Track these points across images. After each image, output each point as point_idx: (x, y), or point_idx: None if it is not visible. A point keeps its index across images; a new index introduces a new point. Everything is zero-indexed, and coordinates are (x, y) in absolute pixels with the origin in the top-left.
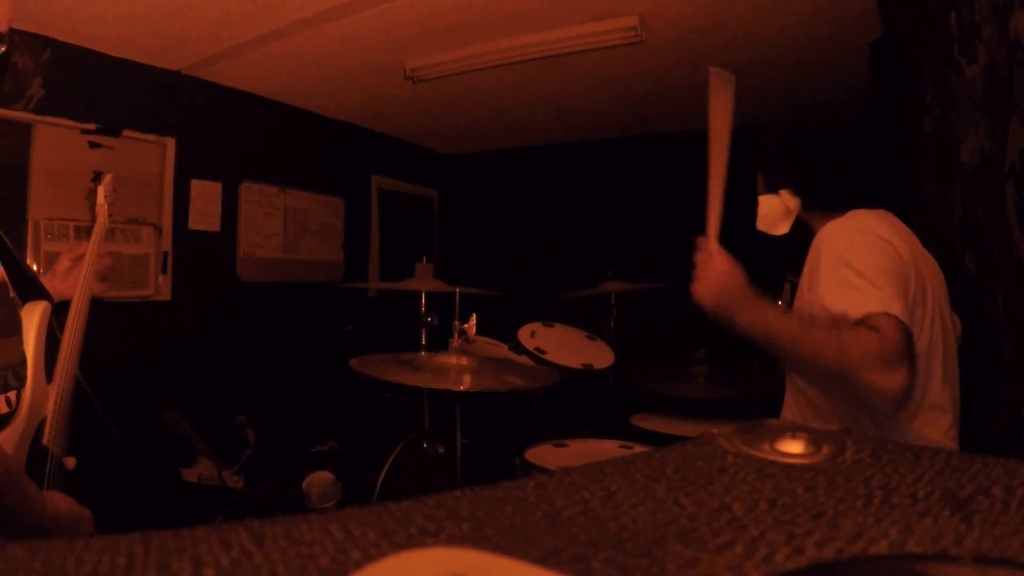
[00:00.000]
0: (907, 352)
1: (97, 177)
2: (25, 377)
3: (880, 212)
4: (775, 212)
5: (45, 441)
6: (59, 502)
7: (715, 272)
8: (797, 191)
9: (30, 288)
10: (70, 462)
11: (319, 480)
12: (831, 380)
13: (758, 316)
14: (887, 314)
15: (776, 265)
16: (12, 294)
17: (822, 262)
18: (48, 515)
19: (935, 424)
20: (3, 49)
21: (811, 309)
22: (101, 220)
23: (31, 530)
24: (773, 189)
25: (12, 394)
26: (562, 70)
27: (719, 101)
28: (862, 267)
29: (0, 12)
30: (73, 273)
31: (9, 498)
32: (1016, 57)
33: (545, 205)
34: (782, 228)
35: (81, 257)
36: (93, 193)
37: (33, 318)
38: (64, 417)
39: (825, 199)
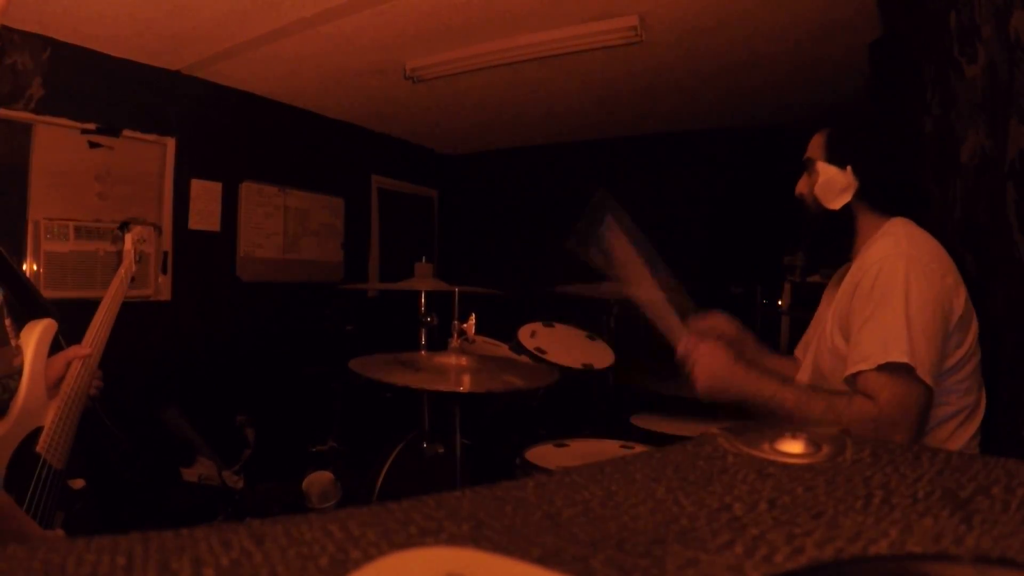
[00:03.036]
0: (905, 419)
1: (125, 225)
2: (14, 389)
3: (924, 232)
4: (836, 186)
5: (39, 448)
6: None
7: (701, 359)
8: (861, 173)
9: (34, 306)
10: (78, 483)
11: (319, 480)
12: None
13: (752, 389)
14: (907, 366)
15: (777, 266)
16: None
17: (875, 291)
18: None
19: (967, 433)
20: None
21: (836, 325)
22: (127, 265)
23: None
24: (836, 160)
25: None
26: (562, 70)
27: (619, 241)
28: (913, 309)
29: None
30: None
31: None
32: (1016, 57)
33: (545, 205)
34: (836, 203)
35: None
36: (120, 240)
37: (33, 335)
38: (67, 433)
39: (884, 194)
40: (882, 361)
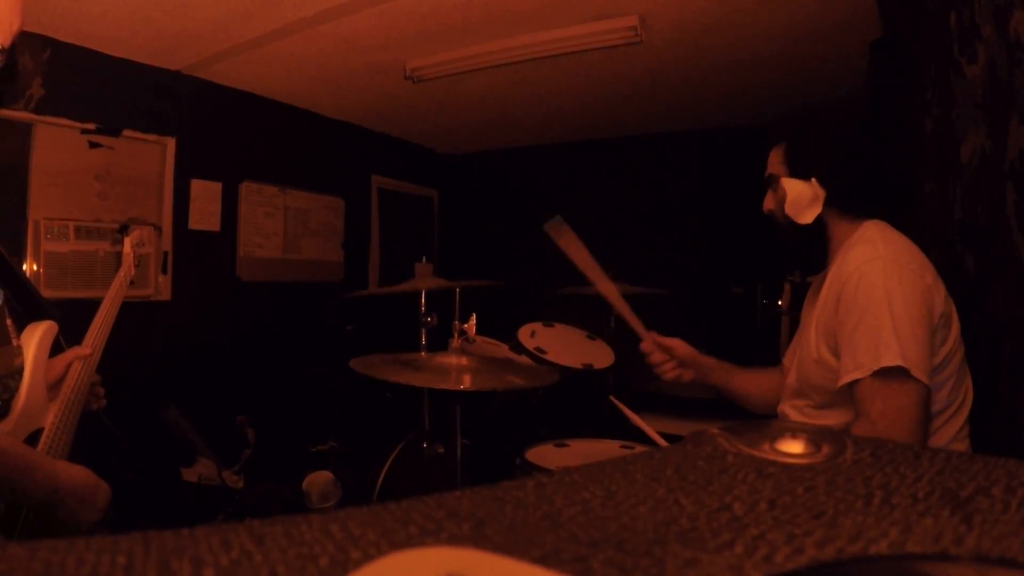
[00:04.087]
0: (899, 426)
1: (125, 228)
2: (15, 389)
3: (899, 233)
4: (803, 199)
5: (39, 450)
6: (75, 472)
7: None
8: (825, 182)
9: (34, 308)
10: None
11: (319, 480)
12: None
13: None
14: (900, 368)
15: (777, 265)
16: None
17: (858, 299)
18: (61, 483)
19: (955, 427)
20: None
21: (821, 337)
22: (126, 268)
23: (44, 499)
24: (799, 173)
25: None
26: (562, 70)
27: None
28: (898, 312)
29: (4, 25)
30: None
31: (8, 463)
32: (1016, 57)
33: (545, 205)
34: (807, 217)
35: (85, 357)
36: (119, 243)
37: (34, 336)
38: (67, 435)
39: (851, 199)
40: (875, 367)
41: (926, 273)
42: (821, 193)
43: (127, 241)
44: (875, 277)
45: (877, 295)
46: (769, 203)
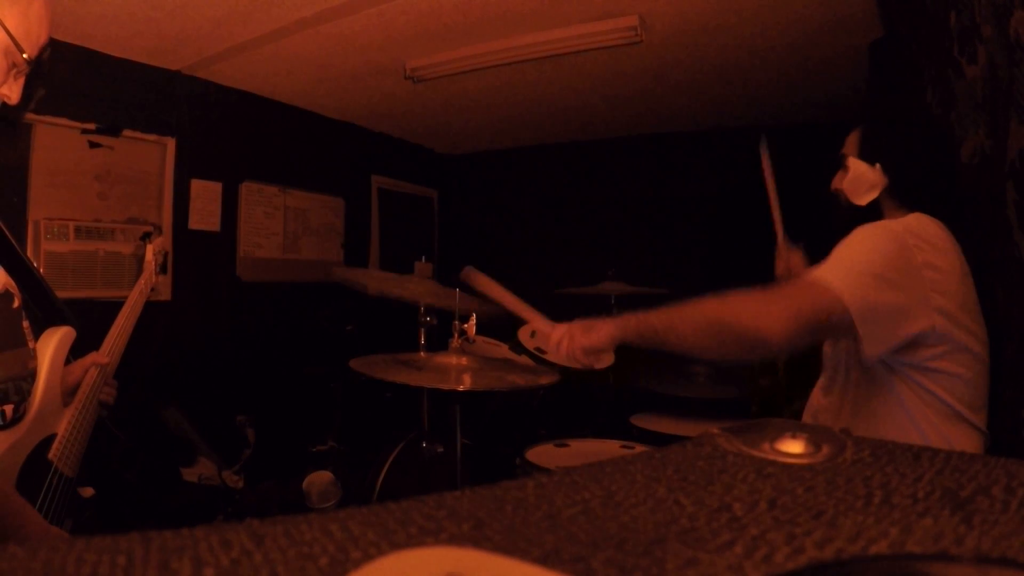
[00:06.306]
0: (807, 320)
1: (147, 236)
2: (28, 392)
3: (941, 231)
4: (864, 181)
5: (51, 456)
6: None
7: (569, 329)
8: (890, 170)
9: (52, 313)
10: (87, 492)
11: (319, 480)
12: (712, 339)
13: (637, 321)
14: (831, 291)
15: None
16: (16, 305)
17: (853, 234)
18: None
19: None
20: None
21: None
22: (147, 276)
23: None
24: (867, 156)
25: (9, 407)
26: (562, 70)
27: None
28: (872, 259)
29: (32, 38)
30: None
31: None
32: (1016, 57)
33: (545, 205)
34: (863, 199)
35: (103, 366)
36: (142, 249)
37: (51, 341)
38: (80, 441)
39: (913, 193)
40: (820, 274)
41: (932, 269)
42: (882, 180)
43: (149, 248)
44: (877, 229)
45: (866, 239)
46: (837, 182)
